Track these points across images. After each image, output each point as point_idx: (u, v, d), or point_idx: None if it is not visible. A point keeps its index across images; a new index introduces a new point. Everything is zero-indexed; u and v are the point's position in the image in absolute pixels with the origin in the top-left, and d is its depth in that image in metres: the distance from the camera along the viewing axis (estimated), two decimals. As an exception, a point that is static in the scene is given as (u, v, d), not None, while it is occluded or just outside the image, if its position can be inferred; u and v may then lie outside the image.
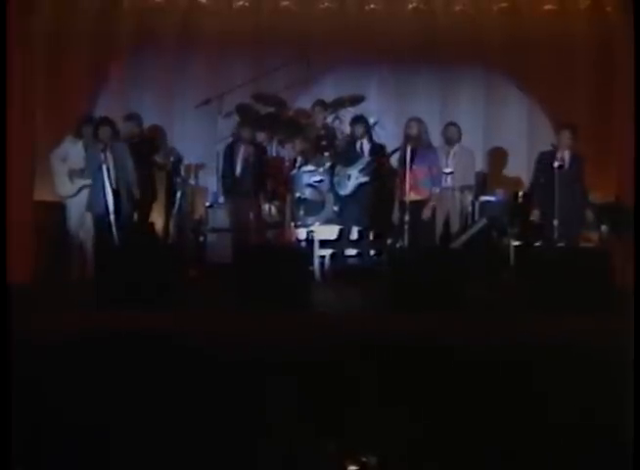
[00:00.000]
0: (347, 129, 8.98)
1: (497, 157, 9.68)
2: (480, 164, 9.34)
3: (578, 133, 8.23)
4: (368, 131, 8.65)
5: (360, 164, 8.51)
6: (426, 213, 8.22)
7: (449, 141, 8.71)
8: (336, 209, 8.56)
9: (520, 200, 8.74)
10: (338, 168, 8.60)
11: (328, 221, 8.60)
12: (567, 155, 8.00)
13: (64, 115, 9.06)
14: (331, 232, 8.63)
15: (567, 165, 7.90)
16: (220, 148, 8.94)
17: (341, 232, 8.55)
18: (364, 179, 8.50)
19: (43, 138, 8.72)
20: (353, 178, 8.50)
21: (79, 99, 9.37)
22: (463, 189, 8.68)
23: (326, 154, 8.74)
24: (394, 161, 8.74)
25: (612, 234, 8.50)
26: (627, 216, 7.94)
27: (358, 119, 8.68)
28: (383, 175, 8.73)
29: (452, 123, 8.84)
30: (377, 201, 8.60)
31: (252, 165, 8.42)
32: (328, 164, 8.66)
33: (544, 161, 8.11)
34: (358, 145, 8.65)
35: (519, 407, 4.34)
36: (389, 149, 8.84)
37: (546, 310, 6.62)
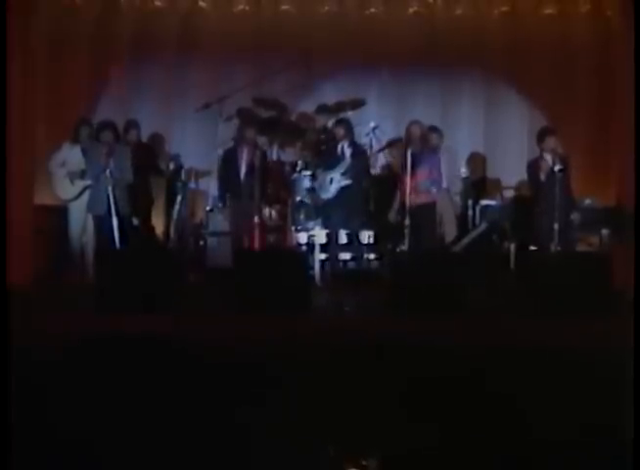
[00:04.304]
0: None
1: (497, 161, 9.66)
2: (480, 169, 9.34)
3: (563, 138, 8.29)
4: (349, 134, 8.59)
5: (341, 168, 8.49)
6: (426, 216, 8.20)
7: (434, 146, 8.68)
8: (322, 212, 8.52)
9: (519, 204, 8.74)
10: (318, 172, 8.58)
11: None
12: (555, 160, 7.99)
13: (63, 117, 9.07)
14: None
15: (555, 170, 7.89)
16: (221, 152, 8.94)
17: (328, 236, 8.49)
18: (346, 182, 8.47)
19: (43, 140, 8.73)
20: (335, 182, 8.47)
21: (79, 102, 9.39)
22: (452, 192, 8.68)
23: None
24: (392, 162, 8.77)
25: (612, 238, 8.51)
26: (628, 220, 7.94)
27: (339, 122, 8.66)
28: (382, 177, 8.76)
29: (434, 128, 8.73)
30: (374, 203, 8.60)
31: (257, 168, 8.35)
32: (328, 168, 8.67)
33: (533, 167, 8.15)
34: (339, 148, 8.62)
35: (519, 409, 4.33)
36: (387, 154, 8.85)
37: (546, 314, 6.62)
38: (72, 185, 8.13)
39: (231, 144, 8.88)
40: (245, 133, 8.66)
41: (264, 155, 8.81)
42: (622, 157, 8.74)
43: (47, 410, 4.24)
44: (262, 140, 9.08)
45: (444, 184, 8.50)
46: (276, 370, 4.84)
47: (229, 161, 8.69)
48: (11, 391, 4.14)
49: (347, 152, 8.55)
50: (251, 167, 8.43)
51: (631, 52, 7.86)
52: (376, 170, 9.04)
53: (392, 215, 8.30)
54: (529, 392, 4.48)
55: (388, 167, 9.04)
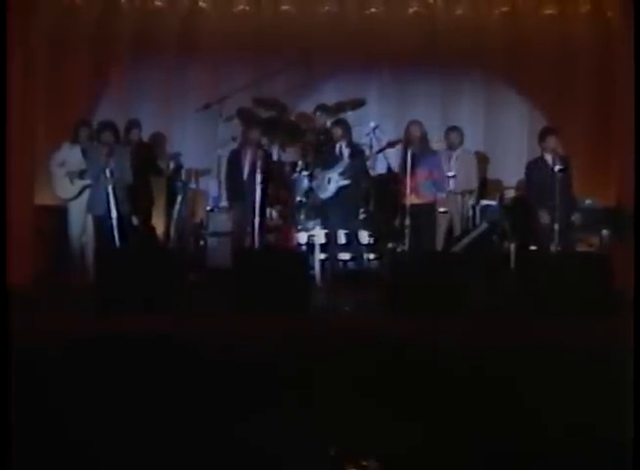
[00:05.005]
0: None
1: (497, 161, 9.66)
2: (480, 169, 9.34)
3: (564, 138, 8.30)
4: (347, 134, 8.58)
5: (339, 168, 8.47)
6: (427, 217, 8.20)
7: (451, 145, 8.75)
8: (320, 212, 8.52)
9: (520, 204, 8.75)
10: (317, 172, 8.56)
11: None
12: (555, 160, 7.99)
13: (64, 117, 9.07)
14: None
15: (556, 170, 7.89)
16: (221, 152, 8.93)
17: (328, 236, 8.48)
18: (345, 182, 8.45)
19: (43, 140, 8.74)
20: (334, 182, 8.44)
21: (79, 102, 9.38)
22: (465, 193, 8.71)
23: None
24: (393, 163, 8.77)
25: (612, 238, 8.51)
26: (628, 220, 7.95)
27: (337, 122, 8.64)
28: (382, 178, 8.76)
29: (454, 127, 8.87)
30: (374, 203, 8.60)
31: (260, 169, 8.33)
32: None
33: (533, 168, 8.16)
34: (337, 148, 8.59)
35: (519, 409, 4.33)
36: (388, 155, 8.85)
37: (547, 314, 6.62)
38: (72, 185, 8.14)
39: (231, 144, 8.88)
40: (248, 134, 8.67)
41: (267, 155, 8.80)
42: (622, 157, 8.75)
43: (47, 410, 4.24)
44: (263, 140, 9.08)
45: (451, 185, 8.52)
46: (276, 370, 4.84)
47: (234, 162, 8.68)
48: (11, 391, 4.14)
49: (345, 152, 8.53)
50: (254, 168, 8.41)
51: (631, 52, 7.86)
52: (376, 171, 9.03)
53: (398, 221, 8.26)
54: (529, 392, 4.48)
55: (388, 168, 9.02)
